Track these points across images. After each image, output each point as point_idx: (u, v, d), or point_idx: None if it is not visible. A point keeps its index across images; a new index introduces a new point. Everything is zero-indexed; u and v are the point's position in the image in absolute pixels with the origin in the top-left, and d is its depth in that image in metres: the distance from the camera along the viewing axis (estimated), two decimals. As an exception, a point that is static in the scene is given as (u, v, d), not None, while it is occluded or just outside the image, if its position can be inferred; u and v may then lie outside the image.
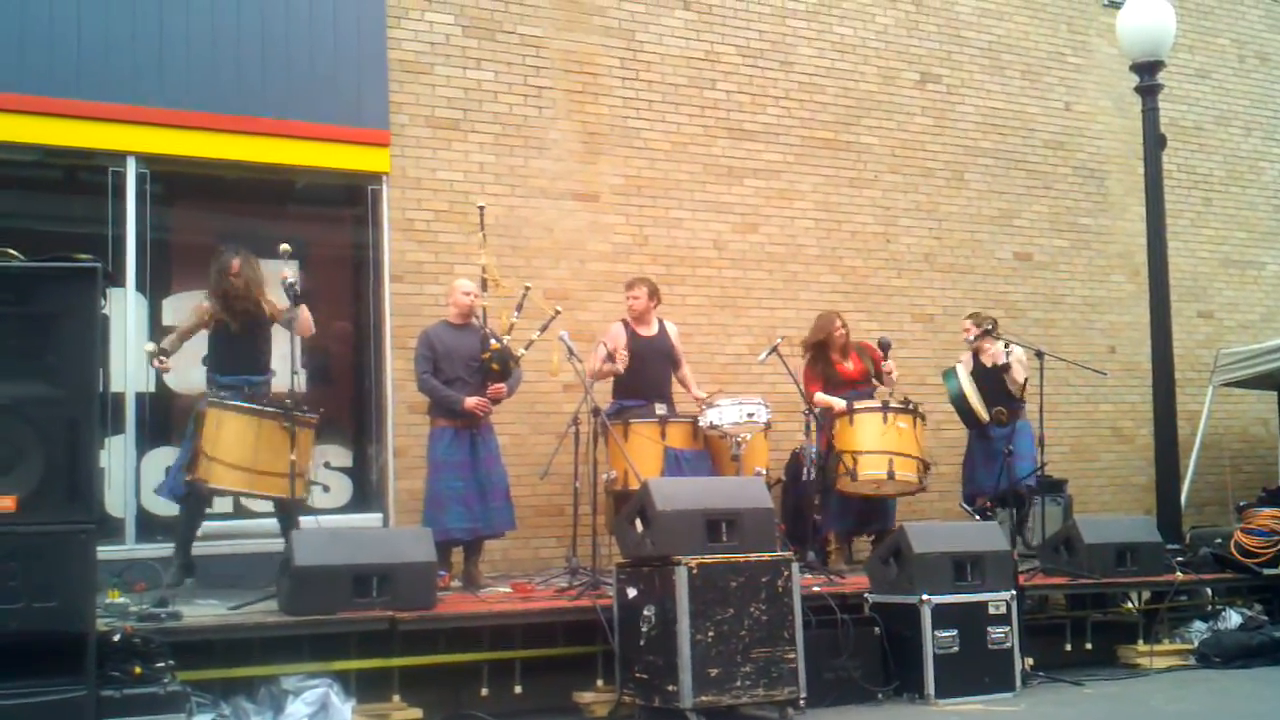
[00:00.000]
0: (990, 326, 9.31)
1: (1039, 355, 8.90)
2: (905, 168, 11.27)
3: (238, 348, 7.56)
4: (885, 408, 8.54)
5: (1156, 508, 9.51)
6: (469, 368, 7.79)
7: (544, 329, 7.94)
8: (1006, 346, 9.05)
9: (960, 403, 9.08)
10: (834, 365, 8.91)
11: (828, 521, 8.78)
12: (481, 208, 8.21)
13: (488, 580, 7.97)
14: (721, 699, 6.13)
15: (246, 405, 7.21)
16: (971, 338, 9.38)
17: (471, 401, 7.70)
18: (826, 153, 10.89)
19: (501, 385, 7.81)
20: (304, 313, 7.49)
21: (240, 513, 8.36)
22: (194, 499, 7.41)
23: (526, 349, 7.93)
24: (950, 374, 9.27)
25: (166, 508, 8.14)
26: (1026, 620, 7.53)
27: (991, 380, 9.21)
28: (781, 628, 6.32)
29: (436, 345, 7.82)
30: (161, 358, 7.48)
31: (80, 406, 4.97)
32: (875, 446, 8.41)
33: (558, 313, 7.99)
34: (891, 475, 8.37)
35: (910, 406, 8.62)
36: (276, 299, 7.59)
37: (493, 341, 7.76)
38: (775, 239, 10.58)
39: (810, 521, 8.58)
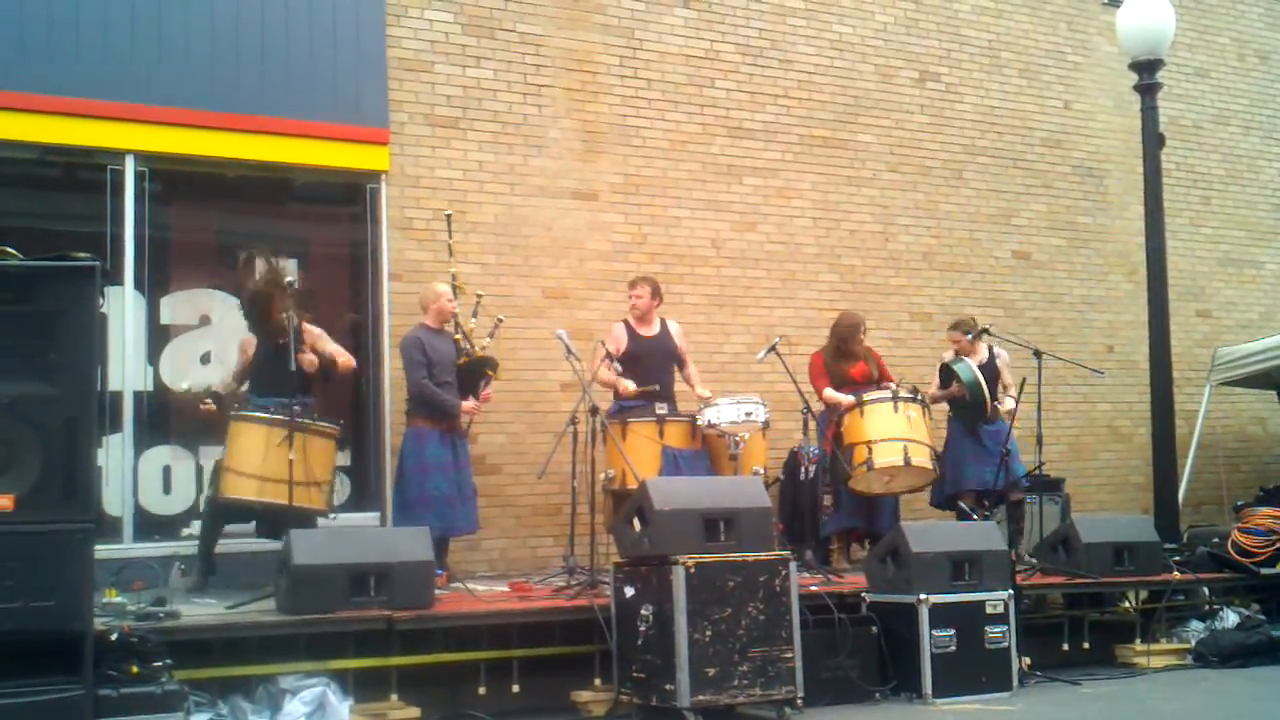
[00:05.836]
0: (976, 331, 9.27)
1: (1036, 355, 8.90)
2: (904, 166, 11.27)
3: (274, 370, 7.32)
4: (895, 397, 8.60)
5: (1154, 507, 9.50)
6: (449, 372, 7.94)
7: (491, 335, 8.20)
8: (990, 348, 9.28)
9: (976, 391, 8.93)
10: (849, 365, 8.96)
11: (835, 520, 8.79)
12: (448, 215, 8.27)
13: (468, 576, 8.03)
14: (719, 698, 6.14)
15: (261, 415, 7.18)
16: (953, 350, 9.33)
17: (469, 405, 7.92)
18: (825, 151, 10.89)
19: (490, 391, 8.04)
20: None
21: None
22: (213, 513, 7.42)
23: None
24: (961, 362, 9.10)
25: (164, 507, 8.16)
26: (1024, 620, 7.53)
27: (985, 376, 9.15)
28: (779, 627, 6.32)
29: (428, 350, 7.91)
30: (208, 400, 7.47)
31: (78, 405, 4.98)
32: (889, 434, 8.47)
33: (500, 321, 8.28)
34: (908, 461, 8.38)
35: (918, 397, 8.71)
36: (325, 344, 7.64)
37: (478, 349, 8.03)
38: (774, 238, 10.58)
39: (816, 518, 8.61)
